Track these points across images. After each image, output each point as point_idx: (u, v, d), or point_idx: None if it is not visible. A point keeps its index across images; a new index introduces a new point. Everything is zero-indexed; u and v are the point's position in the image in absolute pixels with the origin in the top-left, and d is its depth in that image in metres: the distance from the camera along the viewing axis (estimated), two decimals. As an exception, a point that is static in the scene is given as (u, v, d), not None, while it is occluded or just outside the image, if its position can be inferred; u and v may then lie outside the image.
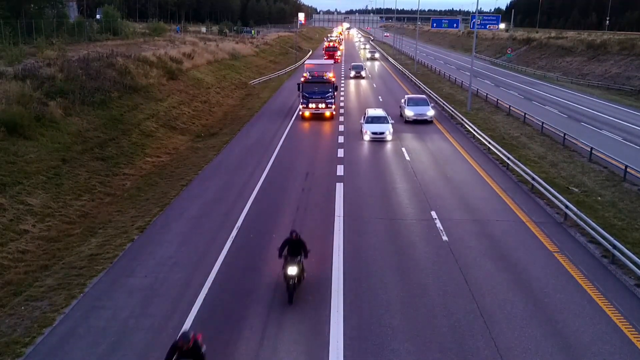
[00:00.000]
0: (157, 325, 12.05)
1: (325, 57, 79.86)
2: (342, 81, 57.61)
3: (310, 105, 35.70)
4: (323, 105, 35.71)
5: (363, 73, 62.17)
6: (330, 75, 36.74)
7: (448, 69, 72.68)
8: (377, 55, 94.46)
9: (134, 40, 67.71)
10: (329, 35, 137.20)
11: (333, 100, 36.35)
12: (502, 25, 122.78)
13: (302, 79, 36.08)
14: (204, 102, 42.64)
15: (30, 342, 11.44)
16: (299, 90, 35.98)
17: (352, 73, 61.66)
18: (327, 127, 34.56)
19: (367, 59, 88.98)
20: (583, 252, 16.28)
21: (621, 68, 63.55)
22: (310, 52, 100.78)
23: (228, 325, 12.06)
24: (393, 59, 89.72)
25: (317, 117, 35.81)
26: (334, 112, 36.70)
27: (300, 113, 36.38)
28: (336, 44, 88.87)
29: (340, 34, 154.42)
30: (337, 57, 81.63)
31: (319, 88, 35.68)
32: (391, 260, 15.43)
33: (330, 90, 35.95)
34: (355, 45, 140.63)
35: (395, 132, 31.66)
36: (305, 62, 43.32)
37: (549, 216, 19.24)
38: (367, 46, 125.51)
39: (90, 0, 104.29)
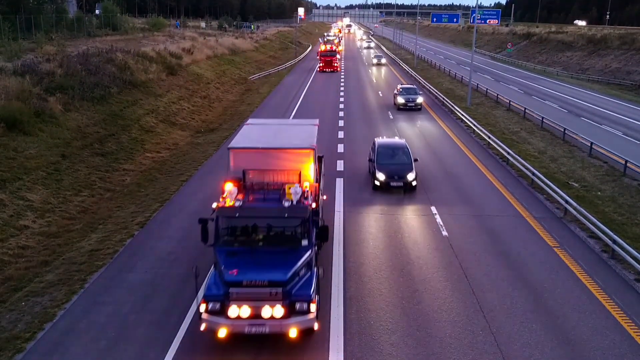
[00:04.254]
0: (157, 320, 12.07)
1: (321, 65, 64.82)
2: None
3: (234, 313, 10.75)
4: (278, 312, 10.77)
5: (410, 178, 20.64)
6: (301, 188, 12.18)
7: (448, 64, 72.54)
8: (420, 100, 38.85)
9: (133, 36, 67.52)
10: (325, 34, 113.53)
11: (312, 286, 11.18)
12: (581, 22, 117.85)
13: (215, 207, 12.02)
14: (203, 97, 42.58)
15: (31, 337, 11.46)
16: (203, 239, 12.07)
17: (381, 177, 20.55)
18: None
19: (400, 107, 38.45)
20: (583, 247, 16.30)
21: (621, 63, 63.48)
22: (310, 47, 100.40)
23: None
24: (393, 53, 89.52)
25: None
26: (316, 324, 11.08)
27: (202, 329, 10.98)
28: (334, 47, 69.79)
29: (339, 31, 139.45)
30: (335, 65, 64.93)
31: (266, 242, 11.81)
32: (392, 255, 15.46)
33: (307, 249, 11.70)
34: (363, 54, 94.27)
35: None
36: (234, 142, 14.75)
37: (549, 211, 19.25)
38: (383, 60, 75.09)
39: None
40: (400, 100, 38.66)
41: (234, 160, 13.87)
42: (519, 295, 13.37)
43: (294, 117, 35.51)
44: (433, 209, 18.97)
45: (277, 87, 51.53)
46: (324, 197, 16.91)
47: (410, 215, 18.50)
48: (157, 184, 22.55)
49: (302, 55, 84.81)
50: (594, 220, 16.76)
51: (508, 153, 25.28)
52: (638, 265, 14.21)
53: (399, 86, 41.54)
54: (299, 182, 12.86)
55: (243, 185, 12.92)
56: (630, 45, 66.22)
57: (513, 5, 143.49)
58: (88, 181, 22.13)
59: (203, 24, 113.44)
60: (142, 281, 13.85)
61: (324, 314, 12.28)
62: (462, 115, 35.18)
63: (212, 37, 71.78)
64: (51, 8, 62.15)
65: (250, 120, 17.83)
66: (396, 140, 23.60)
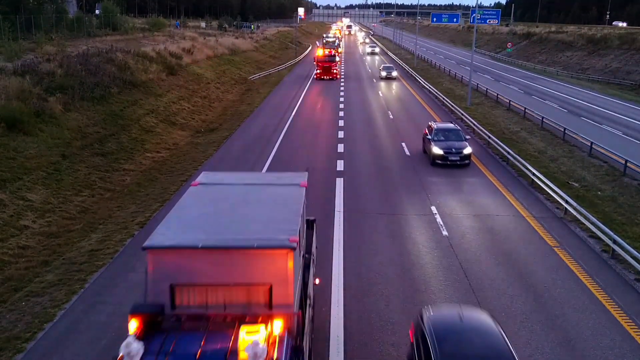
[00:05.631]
0: (157, 320, 12.05)
1: (318, 72, 56.29)
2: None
3: None
4: None
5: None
6: (265, 343, 6.45)
7: (448, 64, 72.54)
8: (468, 150, 24.01)
9: (133, 36, 67.52)
10: (324, 35, 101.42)
11: None
12: (622, 24, 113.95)
13: None
14: (203, 97, 42.57)
15: (31, 337, 11.46)
16: None
17: None
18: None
19: (436, 160, 24.09)
20: (583, 247, 16.30)
21: (621, 62, 63.48)
22: (310, 48, 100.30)
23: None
24: (393, 53, 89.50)
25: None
26: None
27: None
28: (334, 51, 60.92)
29: (339, 32, 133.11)
30: (335, 72, 56.50)
31: None
32: (394, 264, 15.44)
33: None
34: (366, 61, 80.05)
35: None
36: (156, 233, 8.90)
37: (549, 211, 19.25)
38: (394, 73, 57.98)
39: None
40: (437, 150, 23.97)
41: (155, 269, 8.08)
42: (518, 295, 13.36)
43: (293, 117, 35.52)
44: (433, 208, 17.82)
45: (277, 86, 51.55)
46: (317, 281, 11.88)
47: (411, 216, 18.15)
48: (157, 183, 22.56)
49: (302, 56, 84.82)
50: (594, 220, 16.76)
51: (508, 153, 25.28)
52: (638, 265, 14.21)
53: (433, 125, 25.76)
54: (269, 309, 7.46)
55: (165, 318, 7.29)
56: (630, 45, 66.20)
57: (513, 5, 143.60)
58: (88, 181, 22.13)
59: (203, 24, 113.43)
60: (142, 281, 13.80)
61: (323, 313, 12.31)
62: (462, 114, 35.20)
63: (212, 37, 71.74)
64: (51, 8, 62.19)
65: (202, 176, 11.03)
66: (474, 316, 9.99)
